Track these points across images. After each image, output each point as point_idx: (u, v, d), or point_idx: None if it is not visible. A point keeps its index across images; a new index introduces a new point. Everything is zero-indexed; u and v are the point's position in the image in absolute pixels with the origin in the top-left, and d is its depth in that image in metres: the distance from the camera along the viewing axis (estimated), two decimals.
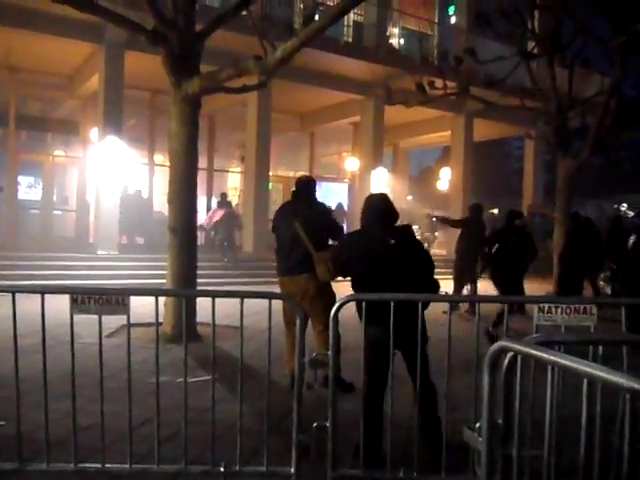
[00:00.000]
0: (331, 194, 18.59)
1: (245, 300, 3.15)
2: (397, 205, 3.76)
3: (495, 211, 24.77)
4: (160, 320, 3.55)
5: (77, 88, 14.82)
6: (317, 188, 5.09)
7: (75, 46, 12.46)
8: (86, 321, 3.09)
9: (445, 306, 4.21)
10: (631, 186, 35.21)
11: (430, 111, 15.93)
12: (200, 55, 6.83)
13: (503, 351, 1.97)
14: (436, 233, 19.15)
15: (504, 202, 29.94)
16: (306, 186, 5.00)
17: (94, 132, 14.17)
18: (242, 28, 8.40)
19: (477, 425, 2.11)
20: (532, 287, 9.34)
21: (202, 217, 14.33)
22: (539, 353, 1.82)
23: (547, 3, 11.55)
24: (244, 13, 7.38)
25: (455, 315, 7.68)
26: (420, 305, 3.13)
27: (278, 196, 17.53)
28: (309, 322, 4.70)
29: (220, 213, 14.06)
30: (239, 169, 18.08)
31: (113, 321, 5.64)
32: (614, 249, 9.46)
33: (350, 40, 15.32)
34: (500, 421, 2.00)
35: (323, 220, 4.86)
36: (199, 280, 7.16)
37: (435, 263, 3.63)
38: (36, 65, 13.87)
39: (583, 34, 11.23)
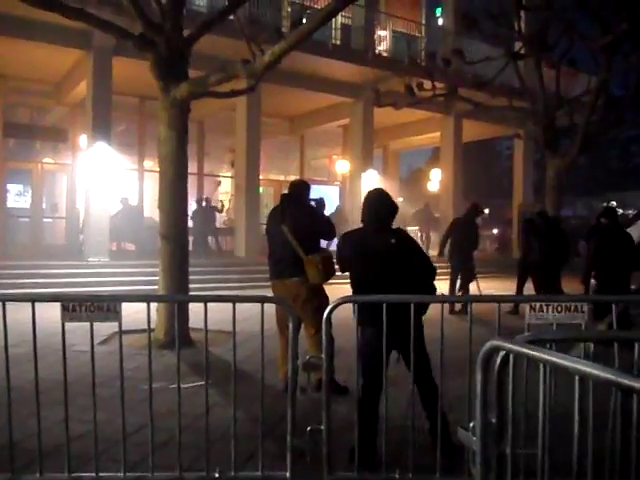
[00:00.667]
0: (324, 197, 18.57)
1: (238, 305, 3.14)
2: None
3: (486, 211, 24.85)
4: (153, 326, 3.54)
5: (65, 95, 14.76)
6: (309, 191, 5.07)
7: (62, 53, 12.42)
8: (78, 329, 3.07)
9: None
10: (619, 184, 35.49)
11: (419, 113, 16.01)
12: (188, 60, 6.82)
13: (495, 350, 1.97)
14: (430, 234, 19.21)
15: (494, 202, 30.11)
16: (296, 189, 4.99)
17: (83, 139, 14.11)
18: (230, 32, 8.39)
19: (471, 425, 2.12)
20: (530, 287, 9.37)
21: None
22: (530, 351, 1.83)
23: (533, 4, 11.64)
24: (232, 17, 7.38)
25: (455, 316, 7.72)
26: (412, 306, 3.13)
27: (269, 200, 17.53)
28: (302, 325, 4.70)
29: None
30: (229, 174, 18.07)
31: (105, 328, 5.63)
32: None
33: (338, 43, 15.36)
34: (494, 420, 2.01)
35: (313, 223, 4.82)
36: (191, 285, 7.14)
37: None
38: (23, 72, 13.81)
39: (569, 34, 11.34)
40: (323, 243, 4.94)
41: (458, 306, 8.56)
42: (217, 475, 3.06)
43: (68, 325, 3.00)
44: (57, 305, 3.01)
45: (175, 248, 6.82)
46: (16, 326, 3.28)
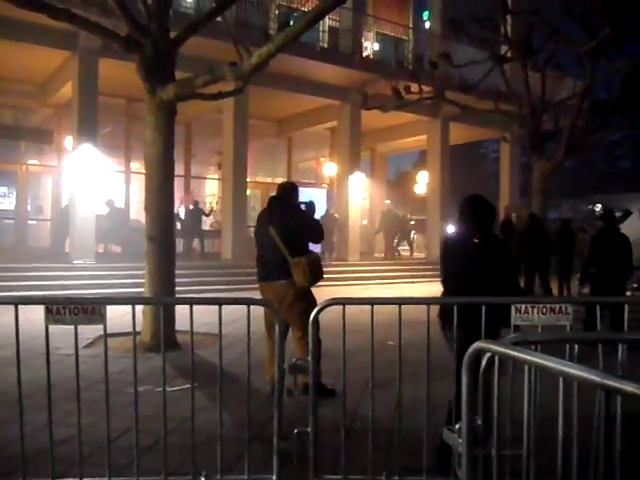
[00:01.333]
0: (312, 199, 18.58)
1: (224, 307, 3.12)
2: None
3: None
4: (139, 329, 3.51)
5: (50, 96, 14.63)
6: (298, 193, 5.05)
7: (48, 53, 12.30)
8: (63, 332, 3.04)
9: None
10: (605, 187, 35.83)
11: (406, 115, 16.05)
12: (175, 61, 6.80)
13: (481, 352, 1.98)
14: (414, 236, 19.24)
15: None
16: (284, 191, 4.98)
17: (68, 140, 14.00)
18: (217, 34, 8.38)
19: (457, 426, 2.12)
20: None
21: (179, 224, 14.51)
22: (515, 353, 1.84)
23: (519, 8, 11.75)
24: (219, 19, 7.37)
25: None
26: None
27: (257, 202, 17.49)
28: (290, 328, 4.69)
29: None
30: (216, 176, 18.01)
31: (91, 331, 5.57)
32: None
33: (326, 45, 15.38)
34: (480, 422, 2.02)
35: (300, 225, 4.79)
36: (178, 288, 7.11)
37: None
38: (8, 73, 13.66)
39: (555, 38, 11.45)
40: (313, 246, 4.93)
41: None
42: (203, 479, 3.04)
43: (53, 328, 2.97)
44: (41, 308, 2.98)
45: (161, 250, 6.79)
46: (1, 328, 3.24)
